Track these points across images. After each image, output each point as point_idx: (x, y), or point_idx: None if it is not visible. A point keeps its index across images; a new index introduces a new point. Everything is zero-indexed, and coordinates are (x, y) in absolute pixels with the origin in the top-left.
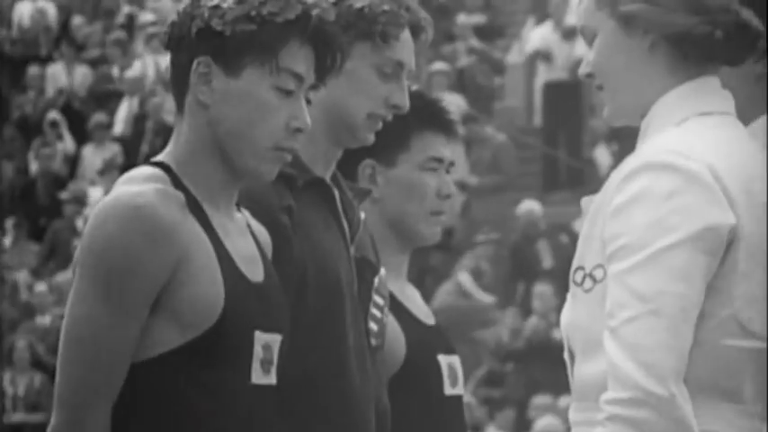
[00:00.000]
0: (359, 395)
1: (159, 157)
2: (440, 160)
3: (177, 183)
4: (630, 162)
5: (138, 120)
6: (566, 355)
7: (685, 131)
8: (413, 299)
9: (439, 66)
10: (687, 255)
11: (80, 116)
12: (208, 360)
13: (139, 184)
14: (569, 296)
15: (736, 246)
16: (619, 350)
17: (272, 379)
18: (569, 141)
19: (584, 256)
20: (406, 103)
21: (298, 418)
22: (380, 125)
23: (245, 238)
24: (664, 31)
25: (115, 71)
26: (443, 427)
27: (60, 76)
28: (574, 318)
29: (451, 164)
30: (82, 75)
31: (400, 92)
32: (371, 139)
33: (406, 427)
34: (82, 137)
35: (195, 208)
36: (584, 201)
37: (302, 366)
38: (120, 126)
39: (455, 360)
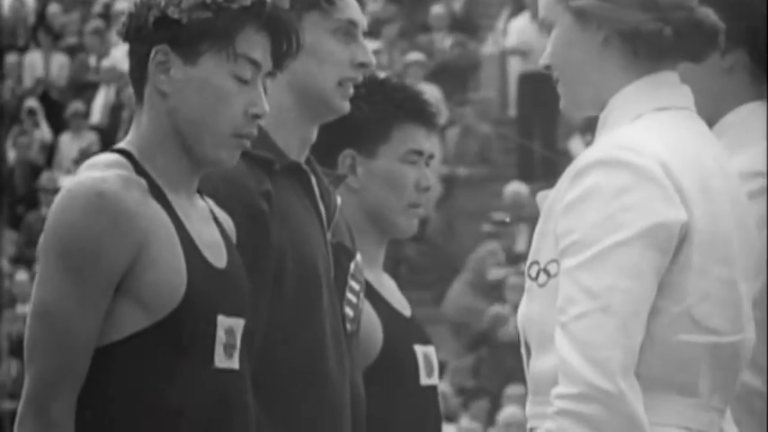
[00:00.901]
0: (335, 380)
1: (121, 145)
2: (420, 153)
3: (139, 169)
4: (582, 158)
5: (115, 109)
6: (522, 350)
7: (639, 127)
8: (390, 289)
9: (414, 56)
10: (637, 251)
11: (57, 105)
12: (170, 344)
13: (101, 170)
14: (525, 290)
15: (689, 242)
16: (568, 346)
17: (234, 363)
18: (544, 133)
19: (539, 250)
20: (371, 59)
21: (274, 403)
22: (352, 90)
23: (208, 225)
24: (614, 27)
25: (92, 60)
26: (419, 417)
27: (38, 64)
28: (529, 312)
29: (431, 156)
30: (59, 64)
31: (362, 50)
32: (347, 107)
33: (381, 417)
34: (59, 126)
35: (157, 194)
36: (540, 195)
37: (279, 351)
38: (96, 115)
39: (431, 350)
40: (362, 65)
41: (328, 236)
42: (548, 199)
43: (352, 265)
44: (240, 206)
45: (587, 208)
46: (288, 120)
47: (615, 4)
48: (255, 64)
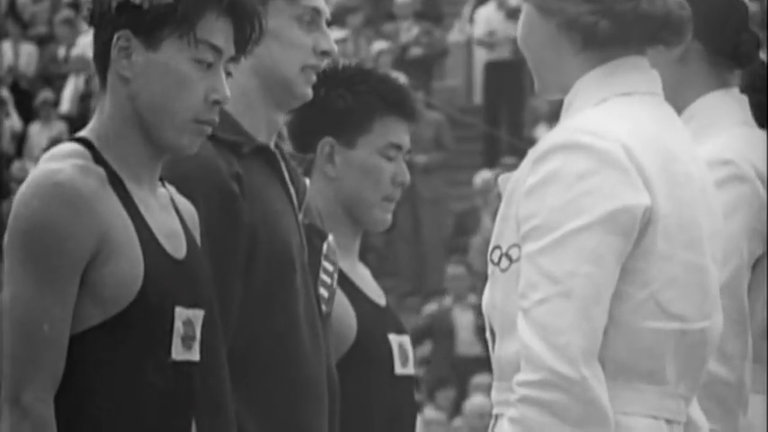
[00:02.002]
0: (311, 361)
1: (82, 133)
2: (399, 147)
3: (98, 158)
4: (544, 142)
5: (85, 98)
6: (488, 335)
7: (602, 111)
8: (364, 278)
9: (381, 45)
10: (599, 236)
11: (27, 94)
12: (128, 336)
13: (60, 160)
14: (489, 275)
15: (652, 227)
16: (530, 331)
17: (194, 355)
18: (510, 120)
19: (501, 235)
20: (333, 47)
21: (250, 386)
22: (315, 78)
23: (168, 214)
24: (558, 17)
25: (62, 50)
26: (394, 407)
27: (7, 54)
28: (492, 297)
29: (408, 151)
30: (28, 53)
31: (325, 38)
32: (310, 93)
33: (356, 406)
34: (28, 115)
35: (116, 183)
36: (502, 179)
37: (253, 333)
38: (66, 104)
39: (405, 340)
40: (325, 53)
41: (300, 217)
42: (510, 183)
43: (325, 246)
44: (211, 188)
45: (548, 192)
46: (253, 104)
47: None
48: (217, 50)
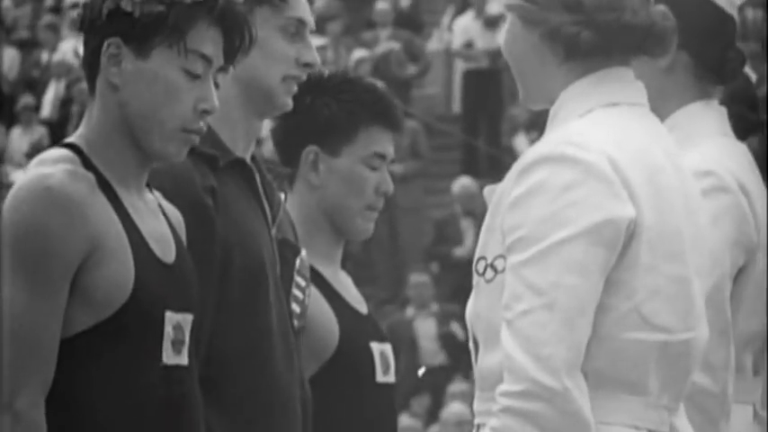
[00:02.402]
0: (284, 377)
1: (70, 139)
2: (383, 157)
3: (87, 164)
4: (529, 153)
5: (65, 103)
6: (471, 345)
7: (588, 122)
8: (346, 286)
9: (360, 53)
10: (583, 248)
11: (8, 99)
12: (118, 340)
13: (49, 165)
14: (473, 286)
15: (637, 238)
16: (513, 342)
17: (183, 359)
18: (488, 129)
19: (486, 246)
20: (316, 59)
21: (222, 400)
22: (296, 89)
23: (157, 219)
24: (540, 28)
25: (44, 55)
26: (375, 415)
27: None
28: (476, 308)
29: (392, 161)
30: (10, 58)
31: (308, 49)
32: (290, 103)
33: (337, 414)
34: (9, 120)
35: (106, 188)
36: (487, 190)
37: (226, 348)
38: (47, 109)
39: (387, 348)
40: (308, 65)
41: (273, 231)
42: (495, 194)
43: (298, 261)
44: (185, 202)
45: (533, 204)
46: (232, 112)
47: (538, 5)
48: (207, 59)
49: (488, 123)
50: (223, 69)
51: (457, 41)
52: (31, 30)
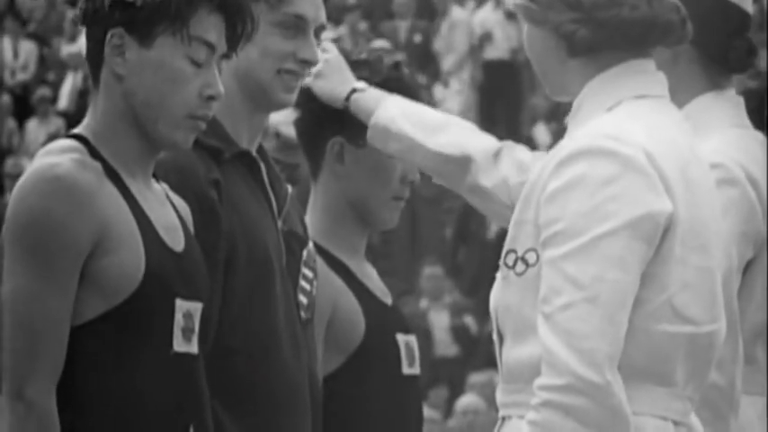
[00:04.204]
0: (291, 368)
1: (77, 130)
2: None
3: (94, 154)
4: (566, 147)
5: (83, 94)
6: (494, 336)
7: (621, 116)
8: (371, 277)
9: (380, 44)
10: (624, 242)
11: (25, 90)
12: (129, 328)
13: (57, 155)
14: (499, 278)
15: (672, 232)
16: (554, 336)
17: (193, 347)
18: (508, 120)
19: (517, 239)
20: (315, 56)
21: (229, 391)
22: (297, 84)
23: (165, 208)
24: (545, 26)
25: (61, 46)
26: (400, 407)
27: (6, 51)
28: (505, 300)
29: None
30: (26, 50)
31: (307, 46)
32: (291, 99)
33: (363, 407)
34: (26, 111)
35: (113, 177)
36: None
37: (233, 340)
38: (64, 100)
39: (412, 339)
40: (305, 61)
41: (279, 224)
42: (525, 187)
43: (305, 253)
44: (189, 194)
45: (572, 198)
46: (234, 106)
47: (539, 4)
48: (210, 46)
49: (508, 113)
50: (226, 56)
51: (476, 32)
52: (46, 22)
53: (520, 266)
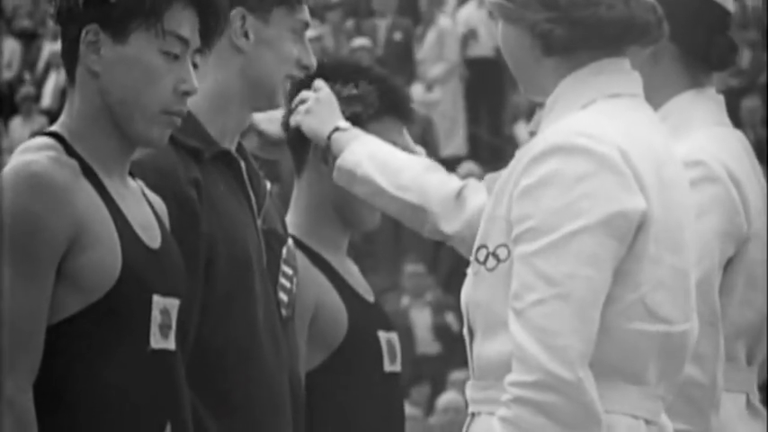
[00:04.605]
0: (271, 367)
1: (53, 128)
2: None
3: (71, 151)
4: (539, 143)
5: (66, 93)
6: (465, 332)
7: (595, 114)
8: (353, 274)
9: (361, 41)
10: (596, 239)
11: (9, 89)
12: (106, 325)
13: (33, 153)
14: (470, 273)
15: (645, 230)
16: (525, 332)
17: (170, 344)
18: (491, 117)
19: (488, 234)
20: (313, 62)
21: (210, 390)
22: (288, 86)
23: (141, 205)
24: (521, 25)
25: (45, 44)
26: (382, 404)
27: None
28: (475, 296)
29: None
30: (10, 48)
31: (307, 52)
32: (283, 102)
33: (344, 404)
34: (10, 110)
35: (89, 175)
36: (488, 178)
37: (213, 340)
38: (47, 99)
39: (394, 337)
40: (305, 67)
41: (259, 222)
42: (497, 182)
43: (285, 251)
44: (169, 194)
45: (545, 194)
46: (231, 104)
47: (515, 3)
48: (184, 41)
49: (490, 111)
50: (200, 51)
51: (460, 30)
52: (30, 19)
53: (491, 262)
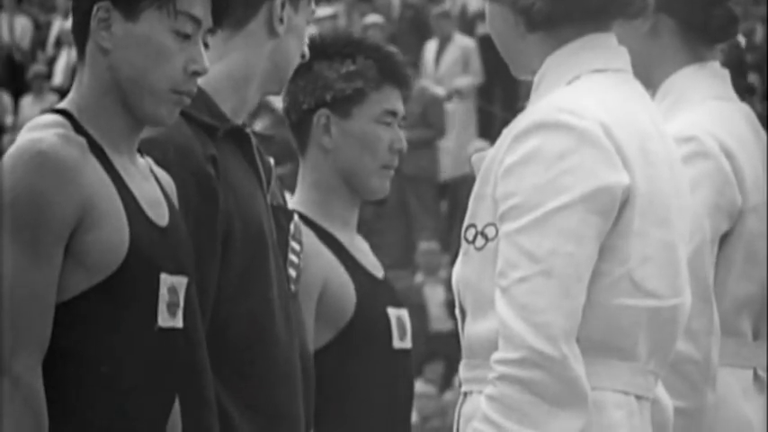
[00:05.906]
0: (284, 343)
1: (61, 105)
2: (394, 114)
3: (78, 129)
4: (522, 121)
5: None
6: (457, 312)
7: (578, 89)
8: (363, 251)
9: (373, 18)
10: (579, 215)
11: (21, 67)
12: (113, 304)
13: (41, 130)
14: (461, 253)
15: (630, 205)
16: (509, 310)
17: (178, 322)
18: (505, 95)
19: (476, 213)
20: (306, 52)
21: (225, 365)
22: None
23: (149, 182)
24: (505, 2)
25: (55, 22)
26: (391, 381)
27: (2, 27)
28: (465, 275)
29: (404, 118)
30: (21, 26)
31: (305, 40)
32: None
33: (354, 380)
34: (21, 87)
35: (97, 152)
36: (476, 157)
37: (229, 316)
38: (59, 77)
39: (403, 313)
40: (303, 54)
41: (268, 198)
42: (485, 161)
43: (292, 226)
44: (188, 172)
45: (528, 172)
46: (250, 86)
47: None
48: (196, 20)
49: (505, 88)
50: (211, 31)
51: (473, 7)
52: None
53: (479, 241)
